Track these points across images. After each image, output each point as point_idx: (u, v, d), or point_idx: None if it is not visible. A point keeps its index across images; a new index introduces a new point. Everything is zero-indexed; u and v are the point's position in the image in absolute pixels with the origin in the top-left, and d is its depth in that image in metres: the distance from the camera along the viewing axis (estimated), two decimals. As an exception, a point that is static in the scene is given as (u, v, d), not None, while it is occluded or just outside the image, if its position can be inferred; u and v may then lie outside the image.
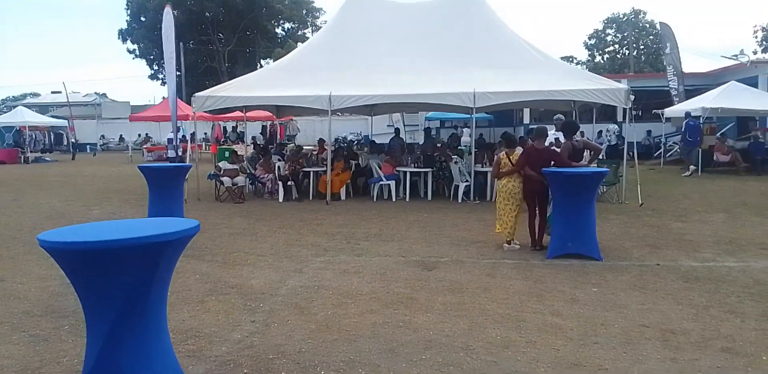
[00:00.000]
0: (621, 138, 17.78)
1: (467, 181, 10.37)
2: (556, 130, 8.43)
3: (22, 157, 24.34)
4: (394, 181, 10.81)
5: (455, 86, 10.31)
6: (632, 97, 9.82)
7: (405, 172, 10.90)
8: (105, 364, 2.68)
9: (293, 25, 48.94)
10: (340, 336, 3.93)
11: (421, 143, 15.12)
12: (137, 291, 2.71)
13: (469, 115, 17.44)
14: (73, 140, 29.03)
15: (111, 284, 2.65)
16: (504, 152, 6.91)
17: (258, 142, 19.34)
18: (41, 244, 2.58)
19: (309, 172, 11.47)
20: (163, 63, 45.02)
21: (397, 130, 15.92)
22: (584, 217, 6.01)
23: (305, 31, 49.13)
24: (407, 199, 10.73)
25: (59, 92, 59.50)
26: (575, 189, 6.02)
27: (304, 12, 47.82)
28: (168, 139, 19.24)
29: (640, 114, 18.75)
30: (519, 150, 6.98)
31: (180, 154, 17.83)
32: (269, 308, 4.56)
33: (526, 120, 21.62)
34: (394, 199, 10.74)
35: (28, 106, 32.95)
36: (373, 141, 15.08)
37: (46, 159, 25.61)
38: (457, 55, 11.46)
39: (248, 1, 42.33)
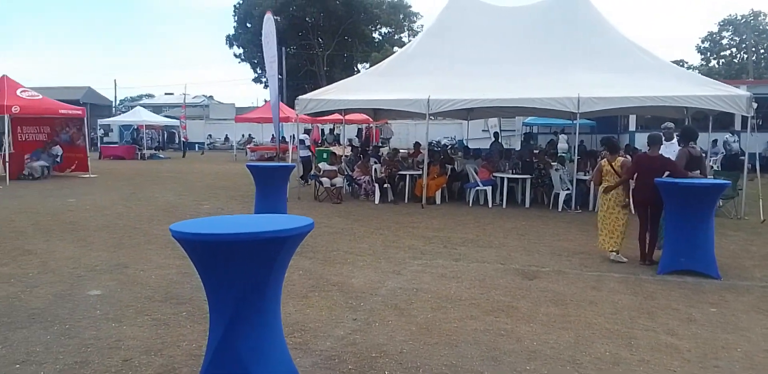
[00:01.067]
0: (729, 148, 16.49)
1: (568, 189, 10.03)
2: (665, 140, 7.89)
3: (139, 153, 26.38)
4: (490, 187, 10.65)
5: (558, 91, 10.02)
6: (755, 105, 9.10)
7: (502, 178, 10.71)
8: (225, 351, 2.83)
9: (390, 30, 49.61)
10: (440, 340, 3.93)
11: (517, 149, 14.82)
12: (256, 282, 2.85)
13: (569, 121, 16.96)
14: (183, 139, 30.98)
15: (233, 274, 2.80)
16: (605, 158, 6.63)
17: (354, 145, 19.73)
18: (173, 234, 2.77)
19: (405, 175, 11.56)
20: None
21: (495, 135, 15.70)
22: (701, 232, 5.63)
23: (401, 35, 49.66)
24: (504, 206, 10.54)
25: (171, 94, 63.84)
26: (691, 202, 5.65)
27: (401, 16, 48.35)
28: (300, 140, 20.31)
29: (760, 123, 17.32)
30: (621, 158, 6.67)
31: (280, 154, 18.60)
32: (370, 307, 4.63)
33: (632, 127, 20.56)
34: (490, 205, 10.59)
35: (144, 107, 35.59)
36: (467, 146, 14.94)
37: (160, 156, 27.58)
38: (560, 59, 11.15)
39: (347, 7, 43.45)
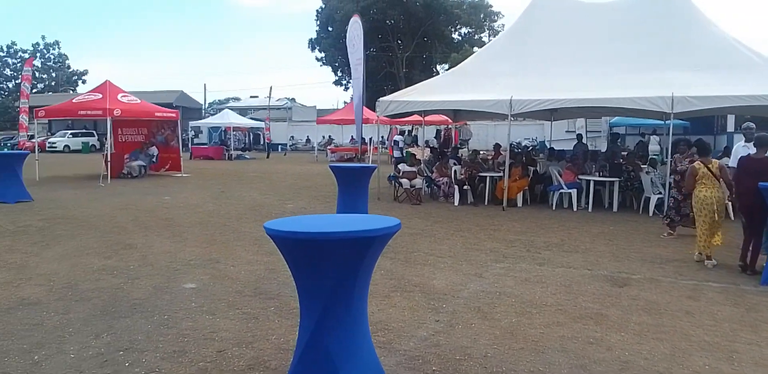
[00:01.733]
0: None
1: (660, 192, 9.53)
2: (745, 142, 7.24)
3: (226, 154, 27.58)
4: (575, 190, 10.31)
5: (649, 90, 9.53)
6: None
7: (588, 181, 10.34)
8: (315, 347, 2.91)
9: (470, 30, 49.14)
10: (526, 346, 3.84)
11: (604, 150, 14.26)
12: (345, 280, 2.90)
13: (661, 121, 16.10)
14: (267, 140, 32.10)
15: (323, 271, 2.88)
16: (698, 161, 6.26)
17: (433, 146, 19.70)
18: (267, 232, 2.87)
19: (485, 176, 11.40)
20: (347, 69, 47.83)
21: (579, 137, 15.19)
22: (813, 241, 5.19)
23: (482, 35, 49.06)
24: (590, 209, 10.17)
25: (256, 97, 66.15)
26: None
27: (481, 16, 47.77)
28: (394, 141, 20.65)
29: None
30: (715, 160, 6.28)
31: (359, 155, 18.83)
32: (452, 309, 4.61)
33: (730, 128, 19.28)
34: (575, 209, 10.24)
35: (231, 109, 37.18)
36: (553, 148, 14.53)
37: (246, 156, 28.71)
38: (652, 56, 10.60)
39: (427, 8, 43.46)
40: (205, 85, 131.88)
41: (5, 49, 63.51)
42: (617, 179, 10.20)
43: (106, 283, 5.25)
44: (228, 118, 29.47)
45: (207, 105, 59.57)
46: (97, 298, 4.78)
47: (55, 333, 3.98)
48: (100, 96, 15.78)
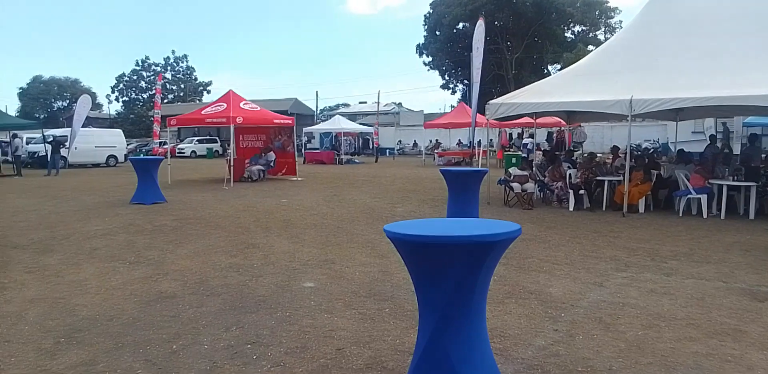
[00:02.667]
0: None
1: (806, 199, 8.59)
2: None
3: (337, 158, 28.50)
4: (705, 195, 9.54)
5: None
6: None
7: (720, 186, 9.54)
8: (434, 350, 2.92)
9: (584, 28, 47.18)
10: (655, 361, 3.61)
11: (736, 153, 13.08)
12: (464, 285, 2.88)
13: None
14: (375, 145, 32.77)
15: (442, 276, 2.88)
16: None
17: (545, 148, 19.11)
18: (388, 234, 2.92)
19: (603, 181, 10.87)
20: (455, 73, 47.63)
21: (712, 138, 14.04)
22: None
23: (596, 33, 46.94)
24: (722, 216, 9.37)
25: (365, 102, 67.76)
26: None
27: (596, 13, 45.72)
28: (523, 144, 20.45)
29: None
30: None
31: (467, 159, 18.67)
32: (571, 319, 4.43)
33: None
34: (705, 215, 9.48)
35: (341, 115, 38.34)
36: (682, 150, 13.56)
37: (355, 161, 29.52)
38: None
39: (538, 8, 42.30)
40: (317, 92, 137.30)
41: (140, 63, 69.91)
42: (754, 184, 9.32)
43: (234, 280, 5.60)
44: (339, 124, 30.46)
45: (318, 111, 61.83)
46: (226, 294, 5.12)
47: (190, 325, 4.30)
48: (225, 105, 16.94)
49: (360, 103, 71.23)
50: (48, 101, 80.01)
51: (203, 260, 6.49)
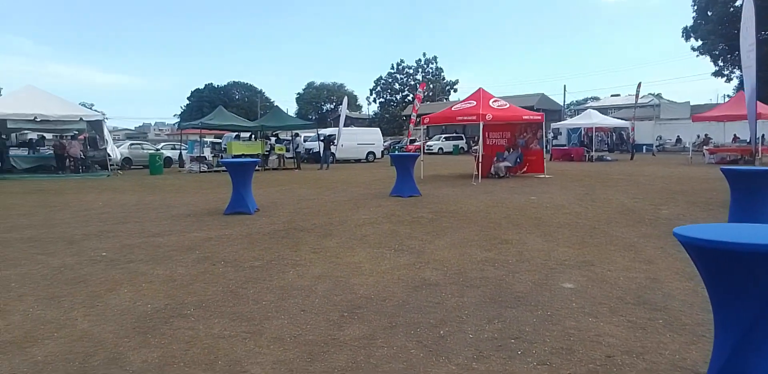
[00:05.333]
0: None
1: None
2: None
3: (587, 155, 27.05)
4: None
5: None
6: None
7: None
8: (733, 371, 2.57)
9: None
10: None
11: None
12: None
13: None
14: (631, 140, 30.27)
15: (749, 288, 2.52)
16: None
17: None
18: (680, 239, 2.66)
19: None
20: (730, 58, 41.48)
21: None
22: None
23: None
24: None
25: (618, 95, 63.04)
26: None
27: None
28: None
29: None
30: None
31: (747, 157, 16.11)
32: None
33: None
34: None
35: (592, 109, 36.23)
36: None
37: (607, 158, 27.69)
38: None
39: None
40: (564, 86, 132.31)
41: (395, 66, 75.39)
42: None
43: (490, 274, 5.70)
44: (590, 118, 28.86)
45: (565, 106, 59.47)
46: (484, 287, 5.23)
47: (453, 313, 4.50)
48: (474, 103, 17.32)
49: (612, 95, 66.56)
50: (319, 104, 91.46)
51: (460, 252, 6.74)
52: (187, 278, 5.66)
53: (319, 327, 4.21)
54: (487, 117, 16.35)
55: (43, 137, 26.27)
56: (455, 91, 75.29)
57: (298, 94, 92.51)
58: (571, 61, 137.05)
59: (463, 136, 45.13)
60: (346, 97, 31.80)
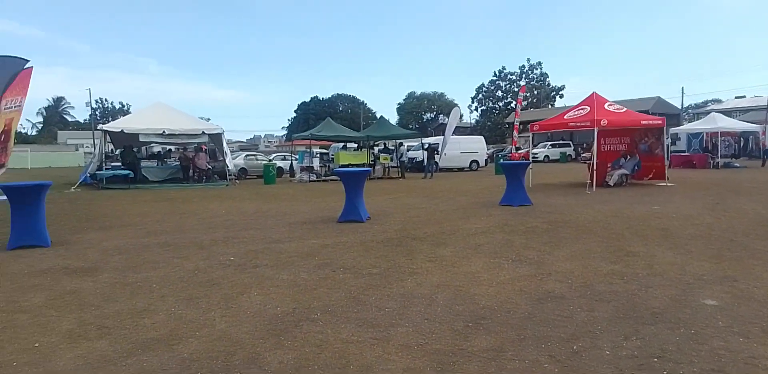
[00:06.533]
0: None
1: None
2: None
3: (711, 161, 25.07)
4: None
5: None
6: None
7: None
8: None
9: None
10: None
11: None
12: None
13: None
14: (762, 146, 27.71)
15: None
16: None
17: None
18: None
19: None
20: None
21: None
22: None
23: None
24: None
25: (743, 97, 58.20)
26: None
27: None
28: None
29: None
30: None
31: None
32: None
33: None
34: None
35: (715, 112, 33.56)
36: None
37: (735, 165, 25.50)
38: None
39: None
40: (682, 88, 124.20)
41: (497, 73, 74.31)
42: None
43: (620, 288, 5.39)
44: (715, 123, 26.73)
45: (683, 110, 55.67)
46: (615, 301, 4.95)
47: (585, 328, 4.29)
48: (588, 108, 16.62)
49: (737, 97, 61.54)
50: (419, 114, 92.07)
51: (582, 264, 6.45)
52: (310, 283, 5.85)
53: (445, 337, 4.18)
54: (602, 122, 15.62)
55: (170, 150, 28.46)
56: (561, 96, 72.99)
57: (399, 104, 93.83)
58: (689, 63, 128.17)
59: (570, 142, 43.49)
60: (457, 107, 31.70)
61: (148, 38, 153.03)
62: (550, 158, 40.77)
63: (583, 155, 37.37)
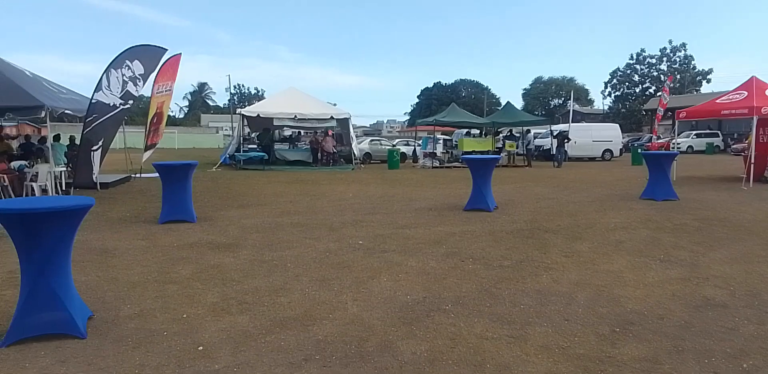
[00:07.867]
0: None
1: None
2: None
3: None
4: None
5: None
6: None
7: None
8: None
9: None
10: None
11: None
12: None
13: None
14: None
15: None
16: None
17: None
18: None
19: None
20: None
21: None
22: None
23: None
24: None
25: None
26: None
27: None
28: None
29: None
30: None
31: None
32: None
33: None
34: None
35: None
36: None
37: None
38: None
39: None
40: None
41: (634, 56, 69.09)
42: None
43: (796, 300, 4.70)
44: None
45: None
46: (792, 315, 4.31)
47: (755, 344, 3.76)
48: (746, 93, 14.85)
49: None
50: (546, 99, 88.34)
51: (745, 269, 5.72)
52: (439, 272, 5.72)
53: (589, 341, 3.85)
54: (762, 110, 13.87)
55: (300, 133, 29.69)
56: (708, 82, 66.36)
57: (525, 89, 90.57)
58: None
59: (719, 132, 39.49)
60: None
61: (281, 27, 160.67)
62: (695, 149, 37.32)
63: (734, 146, 33.77)
